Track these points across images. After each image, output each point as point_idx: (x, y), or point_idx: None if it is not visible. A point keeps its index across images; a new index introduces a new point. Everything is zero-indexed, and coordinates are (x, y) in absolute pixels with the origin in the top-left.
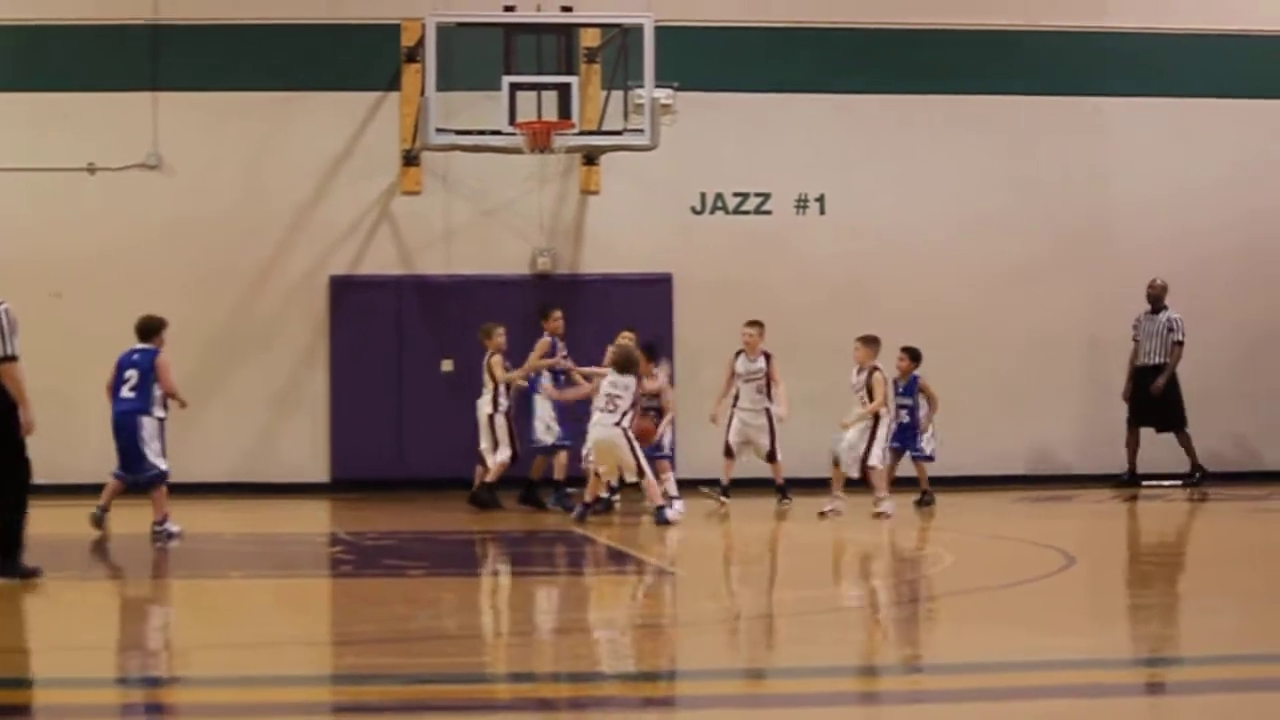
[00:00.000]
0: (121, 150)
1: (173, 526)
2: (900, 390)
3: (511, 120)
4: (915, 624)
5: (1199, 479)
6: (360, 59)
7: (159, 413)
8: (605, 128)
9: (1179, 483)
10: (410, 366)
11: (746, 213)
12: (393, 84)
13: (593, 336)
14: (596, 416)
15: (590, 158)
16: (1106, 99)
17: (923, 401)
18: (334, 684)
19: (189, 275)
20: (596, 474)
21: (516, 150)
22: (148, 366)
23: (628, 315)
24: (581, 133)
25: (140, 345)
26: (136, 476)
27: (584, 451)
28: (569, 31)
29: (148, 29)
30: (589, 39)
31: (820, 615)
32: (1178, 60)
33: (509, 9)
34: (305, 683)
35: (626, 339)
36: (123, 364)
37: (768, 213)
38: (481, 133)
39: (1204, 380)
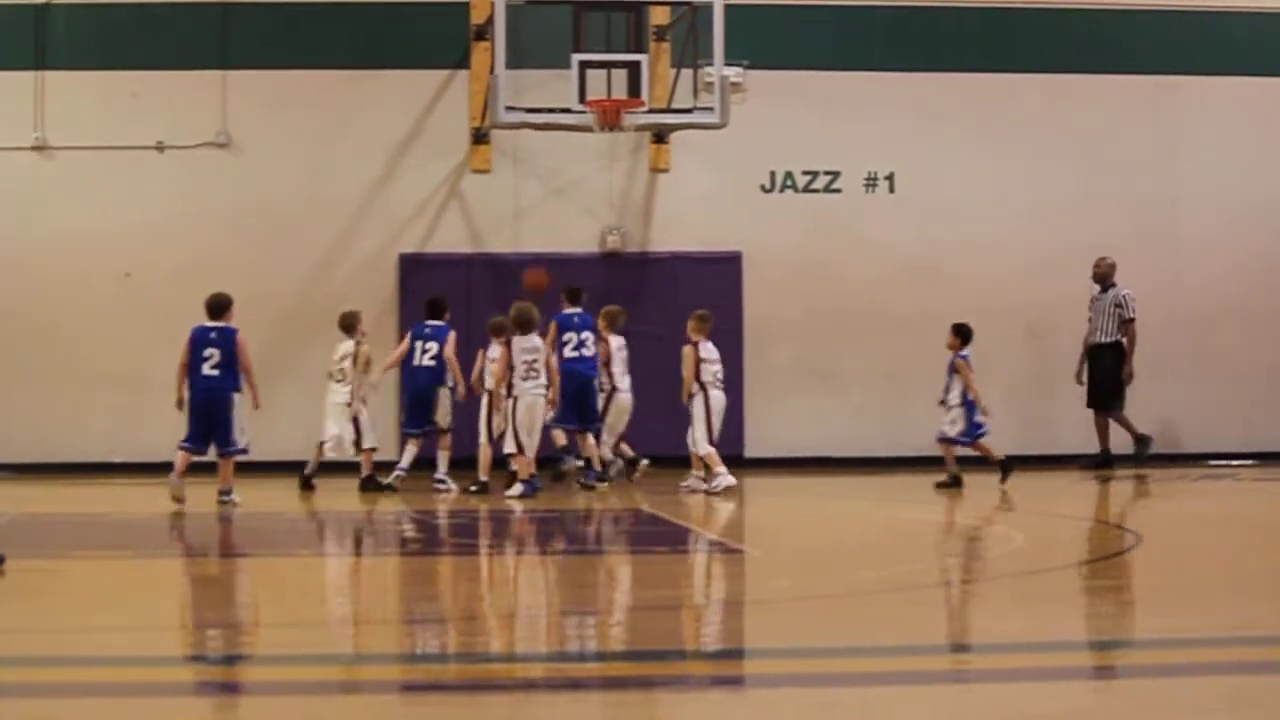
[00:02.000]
0: (190, 129)
1: (236, 496)
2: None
3: (581, 98)
4: (995, 602)
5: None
6: (429, 37)
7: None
8: (675, 106)
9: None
10: (480, 345)
11: (816, 191)
12: (462, 62)
13: (662, 315)
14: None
15: (660, 136)
16: (1180, 78)
17: (957, 381)
18: (403, 662)
19: (258, 254)
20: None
21: (586, 128)
22: (230, 344)
23: (697, 293)
24: (651, 111)
25: (215, 323)
26: (222, 450)
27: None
28: (638, 9)
29: (217, 7)
30: (658, 17)
31: (892, 594)
32: (1253, 38)
33: None
34: (375, 660)
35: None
36: (199, 341)
37: (837, 191)
38: (551, 111)
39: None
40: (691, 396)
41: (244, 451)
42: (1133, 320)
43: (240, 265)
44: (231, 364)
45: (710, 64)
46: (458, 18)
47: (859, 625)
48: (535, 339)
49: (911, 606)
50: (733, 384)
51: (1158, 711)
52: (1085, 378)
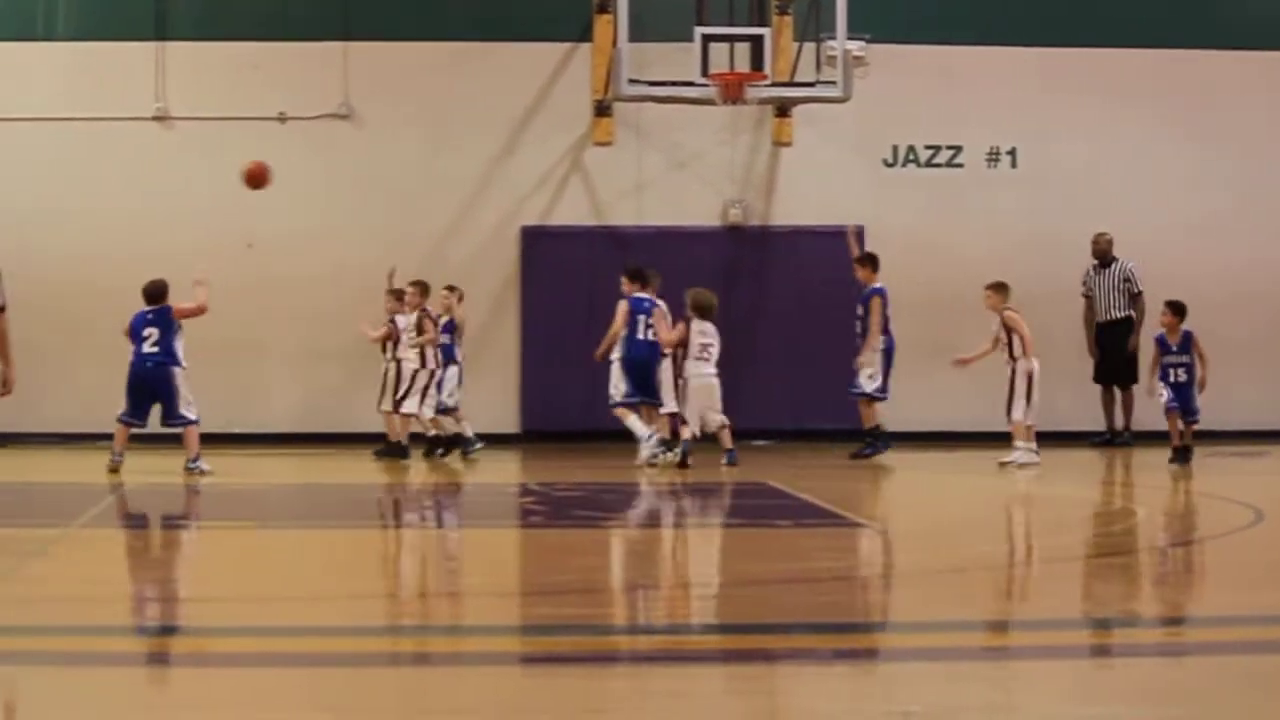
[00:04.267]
0: (312, 100)
1: (203, 464)
2: (1174, 349)
3: (704, 72)
4: (1117, 577)
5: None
6: (552, 9)
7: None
8: (797, 80)
9: None
10: (601, 318)
11: (938, 165)
12: (585, 34)
13: (784, 288)
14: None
15: (782, 109)
16: None
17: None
18: (523, 634)
19: (380, 225)
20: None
21: (709, 102)
22: (167, 322)
23: (818, 267)
24: (774, 84)
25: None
26: (170, 421)
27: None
28: None
29: None
30: None
31: (1011, 570)
32: None
33: None
34: (495, 632)
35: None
36: (137, 325)
37: (959, 165)
38: (674, 84)
39: None
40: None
41: (194, 422)
42: (1141, 293)
43: (361, 237)
44: (170, 341)
45: (833, 37)
46: None
47: (988, 599)
48: (711, 325)
49: (1038, 581)
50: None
51: None
52: (1094, 353)
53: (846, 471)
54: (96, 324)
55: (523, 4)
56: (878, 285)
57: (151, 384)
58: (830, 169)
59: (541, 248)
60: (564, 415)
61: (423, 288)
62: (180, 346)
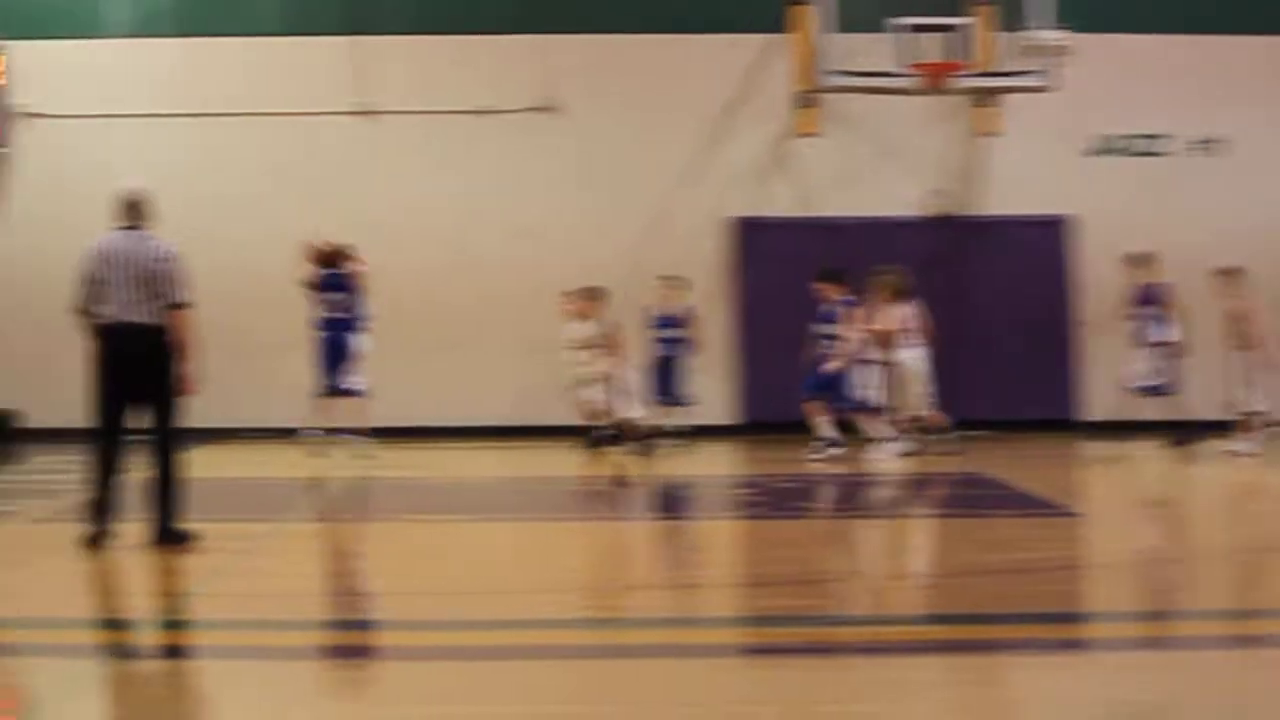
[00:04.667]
0: (515, 93)
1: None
2: None
3: (906, 62)
4: None
5: None
6: (755, 0)
7: None
8: (1000, 69)
9: None
10: (810, 309)
11: (1144, 154)
12: (785, 26)
13: (989, 277)
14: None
15: (986, 99)
16: None
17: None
18: (745, 626)
19: (588, 218)
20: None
21: (910, 92)
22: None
23: (1024, 256)
24: (977, 74)
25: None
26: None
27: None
28: None
29: None
30: None
31: (1234, 555)
32: None
33: None
34: (716, 624)
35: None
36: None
37: (1164, 155)
38: (877, 74)
39: None
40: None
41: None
42: None
43: (567, 230)
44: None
45: (1035, 27)
46: None
47: (1200, 589)
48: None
49: (1257, 571)
50: (1060, 347)
51: None
52: None
53: (1061, 461)
54: (305, 319)
55: None
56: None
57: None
58: (1034, 158)
59: (750, 238)
60: (779, 406)
61: (593, 293)
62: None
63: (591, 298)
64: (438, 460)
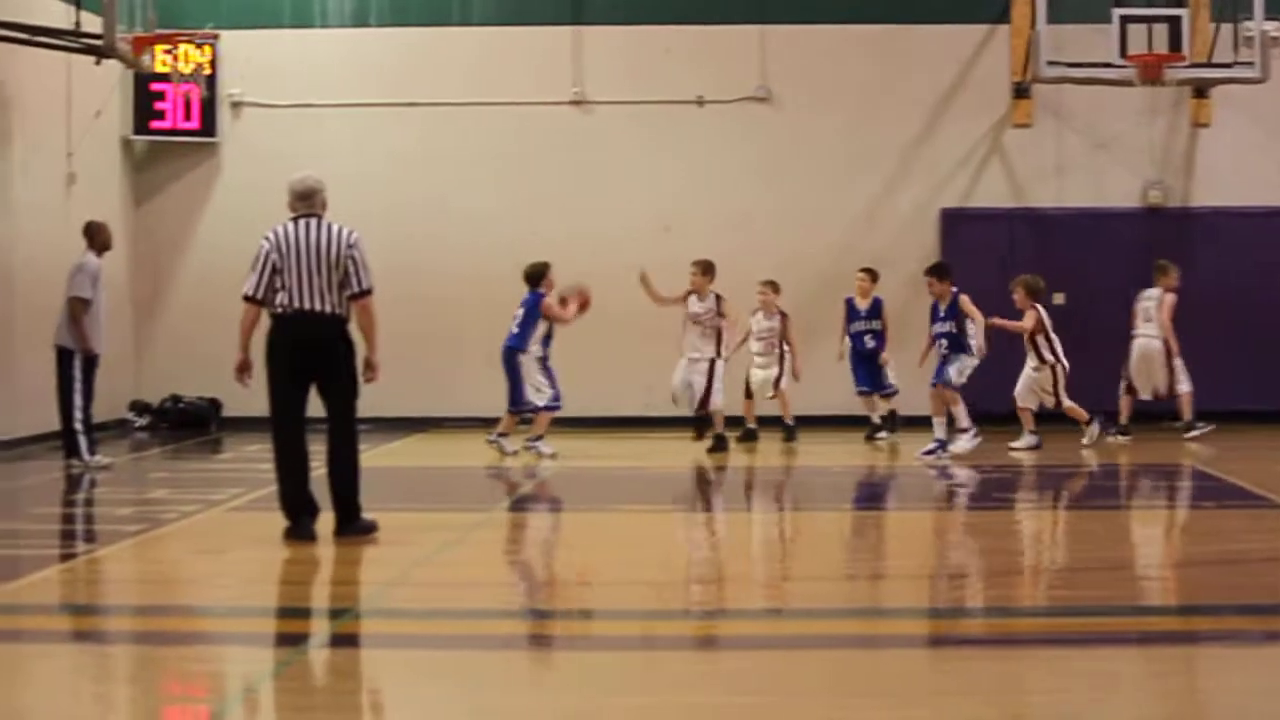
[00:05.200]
0: (730, 83)
1: (544, 447)
2: None
3: (1122, 53)
4: None
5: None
6: None
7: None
8: (1215, 60)
9: None
10: (1007, 302)
11: None
12: (1003, 16)
13: (1205, 269)
14: None
15: (1201, 90)
16: None
17: None
18: (933, 617)
19: (798, 208)
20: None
21: (1127, 83)
22: (532, 308)
23: (1240, 249)
24: (1191, 65)
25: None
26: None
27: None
28: None
29: None
30: None
31: None
32: None
33: None
34: (907, 615)
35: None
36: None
37: None
38: (1092, 65)
39: None
40: None
41: (539, 408)
42: None
43: (779, 220)
44: (527, 327)
45: (1251, 18)
46: None
47: None
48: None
49: None
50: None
51: None
52: None
53: (1273, 454)
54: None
55: None
56: None
57: (503, 366)
58: (1249, 149)
59: (961, 229)
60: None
61: (704, 267)
62: (537, 335)
63: (704, 272)
64: (648, 450)
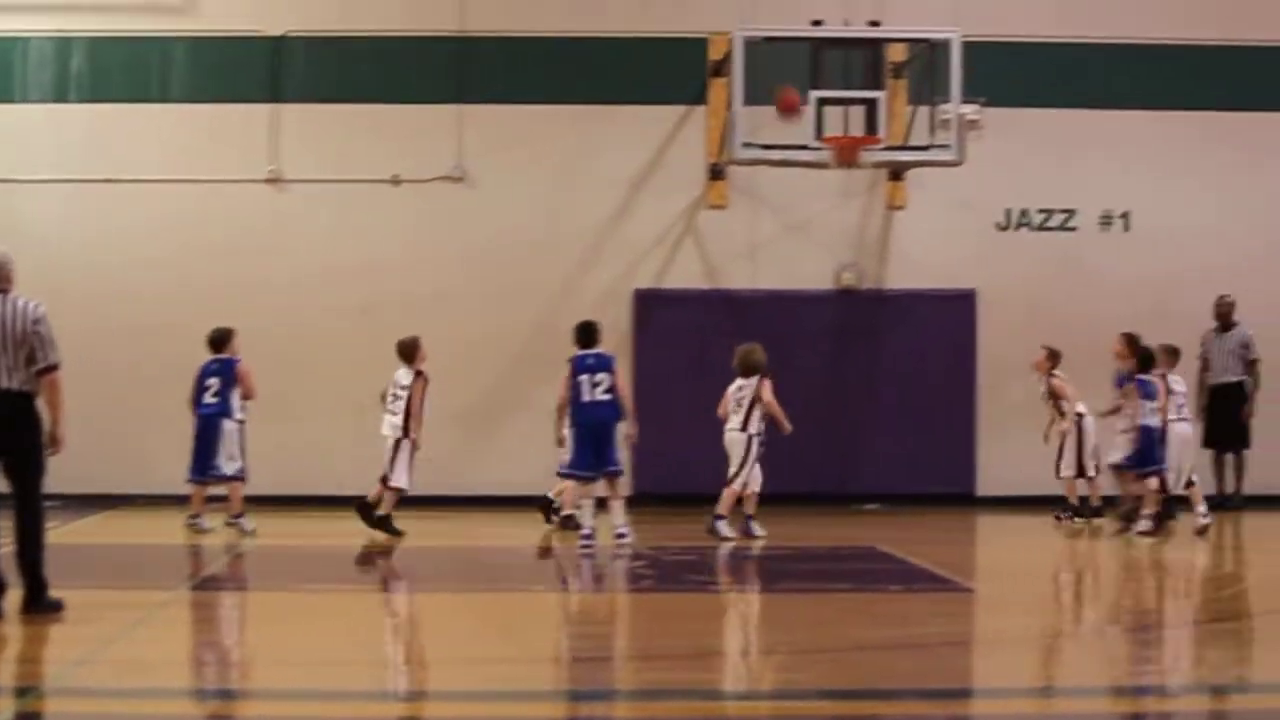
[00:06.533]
0: (426, 162)
1: (246, 523)
2: None
3: (818, 135)
4: (1215, 644)
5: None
6: (666, 73)
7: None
8: (911, 143)
9: None
10: (714, 381)
11: (1052, 229)
12: (699, 98)
13: (897, 351)
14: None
15: (896, 173)
16: None
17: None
18: (633, 699)
19: (492, 288)
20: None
21: (823, 165)
22: (229, 373)
23: (931, 331)
24: (888, 148)
25: (217, 355)
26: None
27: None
28: (876, 46)
29: (453, 41)
30: (895, 54)
31: (1124, 634)
32: None
33: (816, 23)
34: (604, 698)
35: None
36: (204, 373)
37: (1073, 229)
38: (788, 147)
39: None
40: None
41: (235, 478)
42: (1258, 360)
43: (475, 299)
44: (227, 393)
45: (947, 101)
46: (695, 54)
47: (1088, 664)
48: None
49: (1142, 647)
50: (966, 422)
51: None
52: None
53: (958, 535)
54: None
55: (637, 67)
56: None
57: (202, 434)
58: (943, 232)
59: (655, 310)
60: (677, 478)
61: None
62: (236, 399)
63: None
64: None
